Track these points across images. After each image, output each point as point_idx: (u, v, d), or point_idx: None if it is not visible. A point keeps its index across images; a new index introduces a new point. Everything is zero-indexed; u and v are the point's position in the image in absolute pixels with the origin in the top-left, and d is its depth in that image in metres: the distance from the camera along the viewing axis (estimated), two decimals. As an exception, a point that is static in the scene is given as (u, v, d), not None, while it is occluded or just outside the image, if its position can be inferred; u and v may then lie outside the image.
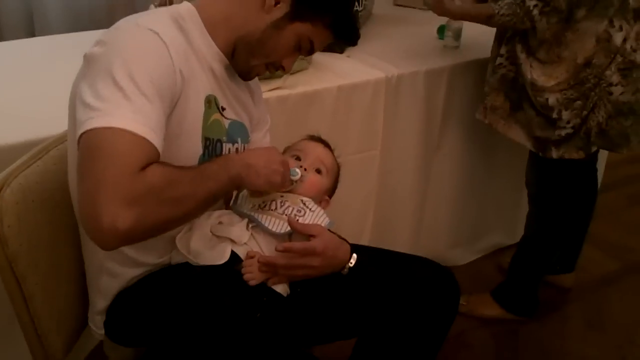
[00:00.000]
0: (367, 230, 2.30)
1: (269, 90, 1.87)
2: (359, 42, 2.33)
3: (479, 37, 2.43)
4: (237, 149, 1.38)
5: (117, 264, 1.29)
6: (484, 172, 2.51)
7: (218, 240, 1.29)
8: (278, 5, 1.25)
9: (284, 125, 1.89)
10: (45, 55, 2.16)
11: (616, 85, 1.85)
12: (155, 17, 1.20)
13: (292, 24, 1.27)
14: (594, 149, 1.95)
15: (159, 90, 1.11)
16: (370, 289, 1.36)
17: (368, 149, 2.15)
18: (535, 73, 1.90)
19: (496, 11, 1.85)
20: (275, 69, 1.34)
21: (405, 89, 2.13)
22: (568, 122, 1.89)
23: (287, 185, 1.36)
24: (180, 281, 1.26)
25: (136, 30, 1.14)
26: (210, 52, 1.27)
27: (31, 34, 2.73)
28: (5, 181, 1.23)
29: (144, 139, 1.05)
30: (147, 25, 1.15)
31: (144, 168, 1.03)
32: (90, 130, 1.04)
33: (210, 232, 1.29)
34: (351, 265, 1.33)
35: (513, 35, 1.94)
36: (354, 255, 1.34)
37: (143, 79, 1.08)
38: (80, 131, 1.05)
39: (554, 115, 1.90)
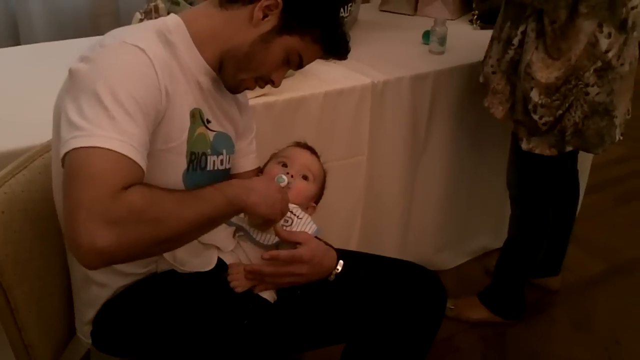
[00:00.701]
0: (354, 236, 2.30)
1: (255, 97, 1.88)
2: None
3: (464, 43, 2.46)
4: (221, 160, 1.38)
5: (103, 274, 1.29)
6: (470, 176, 2.53)
7: (204, 247, 1.29)
8: (266, 19, 1.25)
9: (271, 132, 1.89)
10: (29, 63, 2.15)
11: (592, 85, 1.85)
12: (141, 33, 1.20)
13: (280, 38, 1.26)
14: (568, 148, 1.94)
15: (144, 108, 1.10)
16: (357, 295, 1.37)
17: (355, 155, 2.16)
18: (536, 56, 1.87)
19: None
20: (264, 83, 1.34)
21: (391, 95, 2.14)
22: (540, 118, 1.89)
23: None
24: (166, 289, 1.27)
25: (122, 48, 1.13)
26: (196, 66, 1.26)
27: (16, 41, 2.71)
28: (-12, 191, 1.23)
29: (128, 158, 1.05)
30: (134, 41, 1.14)
31: (126, 188, 1.02)
32: (74, 149, 1.03)
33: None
34: (337, 271, 1.34)
35: (530, 14, 1.89)
36: (341, 261, 1.35)
37: (127, 97, 1.07)
38: (64, 150, 1.05)
39: (529, 107, 1.90)
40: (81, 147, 1.03)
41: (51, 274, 1.35)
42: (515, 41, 1.93)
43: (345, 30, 1.35)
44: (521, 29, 1.90)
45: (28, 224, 1.28)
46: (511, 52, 1.95)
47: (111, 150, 1.03)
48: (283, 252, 1.27)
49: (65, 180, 1.04)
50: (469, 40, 2.49)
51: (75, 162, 1.03)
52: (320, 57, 1.39)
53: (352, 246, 2.28)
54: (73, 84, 1.11)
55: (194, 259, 1.27)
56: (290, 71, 2.04)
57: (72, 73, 1.12)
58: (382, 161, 2.23)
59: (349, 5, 2.32)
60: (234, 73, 1.29)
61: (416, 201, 2.42)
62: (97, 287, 1.30)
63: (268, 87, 1.87)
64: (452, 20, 2.81)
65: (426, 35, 2.47)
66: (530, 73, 1.87)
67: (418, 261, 2.48)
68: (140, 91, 1.10)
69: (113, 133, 1.05)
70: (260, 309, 1.29)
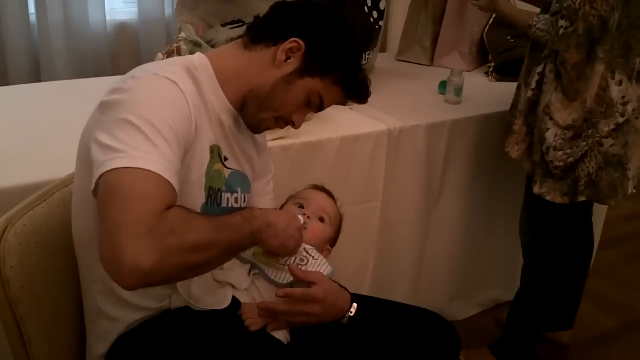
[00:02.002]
0: (366, 282, 2.29)
1: (273, 140, 1.89)
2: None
3: (480, 94, 2.48)
4: (236, 198, 1.38)
5: (116, 308, 1.28)
6: (484, 227, 2.52)
7: (219, 285, 1.29)
8: (289, 61, 1.27)
9: (287, 175, 1.90)
10: (50, 100, 2.19)
11: (607, 137, 1.87)
12: (170, 67, 1.22)
13: (302, 80, 1.28)
14: (581, 198, 1.95)
15: (177, 136, 1.12)
16: (370, 339, 1.36)
17: (369, 200, 2.17)
18: (555, 97, 1.89)
19: (534, 23, 1.88)
20: (285, 123, 1.36)
21: (406, 142, 2.15)
22: (552, 162, 1.90)
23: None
24: (180, 327, 1.25)
25: (155, 79, 1.16)
26: (219, 104, 1.28)
27: (37, 78, 2.76)
28: (9, 222, 1.23)
29: (167, 181, 1.06)
30: (165, 74, 1.17)
31: (166, 210, 1.03)
32: (113, 170, 1.03)
33: (211, 276, 1.28)
34: (351, 314, 1.33)
35: (548, 55, 1.92)
36: (355, 304, 1.34)
37: (163, 125, 1.09)
38: (101, 171, 1.04)
39: (544, 148, 1.91)
40: (122, 168, 1.03)
41: (65, 307, 1.35)
42: (533, 82, 1.95)
43: (366, 75, 1.38)
44: (539, 69, 1.94)
45: (44, 256, 1.28)
46: (529, 93, 1.98)
47: (151, 171, 1.04)
48: (297, 290, 1.27)
49: (104, 201, 1.03)
50: (485, 92, 2.52)
51: (115, 182, 1.03)
52: (340, 103, 1.41)
53: (364, 291, 2.26)
54: (106, 114, 1.12)
55: (208, 296, 1.26)
56: (308, 115, 2.08)
57: (104, 104, 1.13)
58: (397, 208, 2.23)
59: (367, 53, 2.35)
60: (255, 112, 1.30)
61: (429, 250, 2.42)
62: (108, 322, 1.29)
63: (286, 130, 1.92)
64: (468, 71, 2.84)
65: (442, 85, 2.50)
66: (549, 114, 1.90)
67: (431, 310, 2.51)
68: (176, 120, 1.12)
69: (152, 156, 1.06)
70: (273, 349, 1.28)
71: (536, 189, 1.99)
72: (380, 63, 2.85)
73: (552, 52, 1.88)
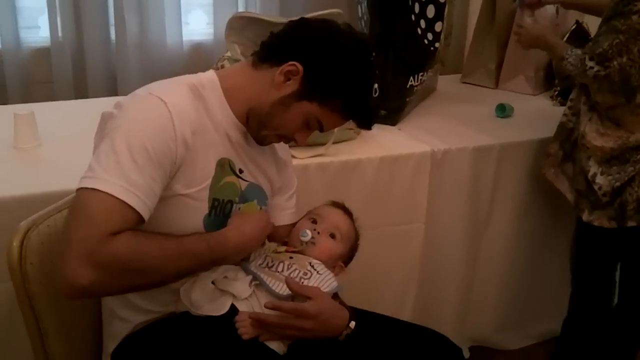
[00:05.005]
0: (408, 306, 2.27)
1: (310, 157, 1.93)
2: (413, 116, 2.41)
3: (537, 118, 2.42)
4: None
5: (126, 310, 1.36)
6: (538, 254, 2.45)
7: (220, 293, 1.33)
8: (288, 83, 1.30)
9: (323, 192, 1.92)
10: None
11: None
12: (170, 86, 1.29)
13: (300, 103, 1.30)
14: (630, 223, 1.90)
15: (155, 158, 1.18)
16: (369, 357, 1.36)
17: (412, 222, 2.16)
18: (589, 127, 1.90)
19: (566, 57, 1.90)
20: (287, 140, 1.39)
21: (451, 164, 2.13)
22: (600, 188, 1.88)
23: (296, 245, 1.41)
24: (179, 330, 1.31)
25: (145, 100, 1.24)
26: (226, 119, 1.33)
27: (114, 93, 2.93)
28: (34, 223, 1.33)
29: (126, 204, 1.14)
30: (159, 94, 1.23)
31: (117, 233, 1.12)
32: (80, 189, 1.15)
33: (214, 284, 1.33)
34: (349, 332, 1.34)
35: (581, 85, 1.95)
36: (352, 322, 1.34)
37: (139, 148, 1.17)
38: (77, 187, 1.16)
39: (589, 176, 1.89)
40: (85, 188, 1.14)
41: (80, 307, 1.43)
42: (566, 109, 1.99)
43: (370, 103, 1.38)
44: (572, 96, 1.96)
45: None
46: (564, 119, 2.01)
47: (110, 194, 1.13)
48: (286, 303, 1.29)
49: (67, 215, 1.16)
50: (543, 116, 2.46)
51: (77, 200, 1.15)
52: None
53: (405, 316, 2.24)
54: (101, 126, 1.24)
55: (208, 303, 1.30)
56: (352, 134, 2.11)
57: (103, 116, 1.25)
58: (441, 231, 2.21)
59: (420, 74, 2.35)
60: (257, 129, 1.35)
61: (478, 276, 2.37)
62: (120, 322, 1.37)
63: (324, 148, 1.96)
64: (533, 95, 2.79)
65: (499, 108, 2.46)
66: (584, 144, 1.89)
67: (477, 339, 2.47)
68: (154, 143, 1.19)
69: (116, 179, 1.14)
70: (266, 359, 1.30)
71: (585, 217, 1.96)
72: (443, 85, 2.84)
73: (584, 85, 1.89)
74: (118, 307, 1.37)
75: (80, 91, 2.91)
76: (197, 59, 3.11)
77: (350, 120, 1.40)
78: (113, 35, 2.94)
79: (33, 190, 1.64)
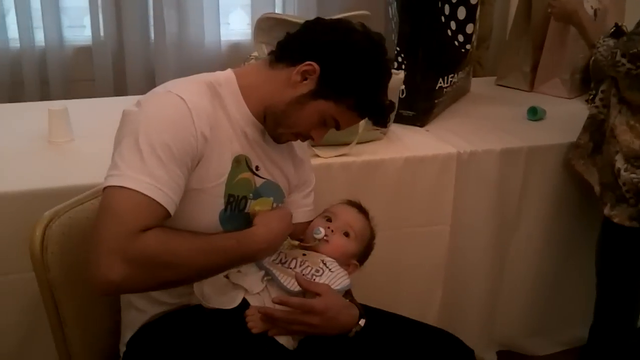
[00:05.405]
0: (434, 308, 2.26)
1: (334, 156, 1.95)
2: (443, 117, 2.40)
3: (568, 121, 2.38)
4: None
5: (142, 301, 1.40)
6: (568, 259, 2.40)
7: (233, 287, 1.36)
8: (304, 82, 1.32)
9: (346, 192, 1.91)
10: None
11: None
12: (188, 84, 1.33)
13: (315, 101, 1.32)
14: None
15: (177, 154, 1.22)
16: (379, 355, 1.37)
17: (436, 223, 2.15)
18: (619, 120, 1.87)
19: (598, 46, 1.89)
20: (304, 138, 1.41)
21: (477, 166, 2.12)
22: (624, 184, 1.84)
23: (310, 242, 1.43)
24: (191, 322, 1.34)
25: (165, 97, 1.27)
26: (242, 117, 1.36)
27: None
28: (56, 214, 1.38)
29: (153, 200, 1.17)
30: (178, 92, 1.27)
31: (146, 229, 1.16)
32: (107, 187, 1.19)
33: (227, 278, 1.36)
34: (358, 330, 1.35)
35: (613, 77, 1.92)
36: (362, 320, 1.36)
37: (161, 144, 1.20)
38: (102, 186, 1.20)
39: (615, 170, 1.86)
40: (113, 186, 1.18)
41: (100, 297, 1.47)
42: (597, 99, 1.96)
43: (385, 101, 1.39)
44: (602, 87, 1.93)
45: (84, 247, 1.39)
46: (594, 110, 1.98)
47: (137, 191, 1.16)
48: (294, 299, 1.31)
49: (97, 214, 1.20)
50: (576, 120, 2.41)
51: (105, 198, 1.19)
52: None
53: (431, 318, 2.23)
54: (122, 124, 1.27)
55: (219, 296, 1.34)
56: (379, 134, 2.12)
57: (123, 114, 1.27)
58: (468, 233, 2.19)
59: (450, 76, 2.34)
60: (274, 127, 1.37)
61: (506, 280, 2.35)
62: (137, 312, 1.41)
63: (348, 147, 1.97)
64: (568, 99, 2.75)
65: (531, 111, 2.44)
66: (614, 136, 1.87)
67: (506, 344, 2.45)
68: (175, 139, 1.22)
69: (142, 175, 1.18)
70: (275, 353, 1.32)
71: (606, 211, 1.93)
72: (478, 87, 2.83)
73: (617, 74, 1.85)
74: (135, 297, 1.41)
75: (120, 89, 3.00)
76: (234, 58, 3.16)
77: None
78: (152, 35, 3.01)
79: (62, 183, 1.70)
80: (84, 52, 2.97)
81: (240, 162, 1.37)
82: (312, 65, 1.31)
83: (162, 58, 3.01)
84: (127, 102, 1.31)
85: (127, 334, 1.44)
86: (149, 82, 3.01)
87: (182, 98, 1.25)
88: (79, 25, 3.07)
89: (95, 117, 2.28)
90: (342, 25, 1.36)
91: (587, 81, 2.74)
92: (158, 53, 3.01)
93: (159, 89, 1.31)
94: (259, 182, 1.42)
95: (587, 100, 2.67)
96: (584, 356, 2.19)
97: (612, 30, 2.34)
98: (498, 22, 3.44)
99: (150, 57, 3.04)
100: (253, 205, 1.40)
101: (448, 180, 2.11)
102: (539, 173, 2.23)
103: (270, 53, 1.40)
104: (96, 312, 1.47)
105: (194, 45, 3.08)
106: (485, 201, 2.17)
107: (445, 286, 2.25)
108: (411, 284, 2.19)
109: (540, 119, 2.45)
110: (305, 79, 1.32)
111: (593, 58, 1.94)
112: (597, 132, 2.00)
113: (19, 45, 2.84)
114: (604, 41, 1.87)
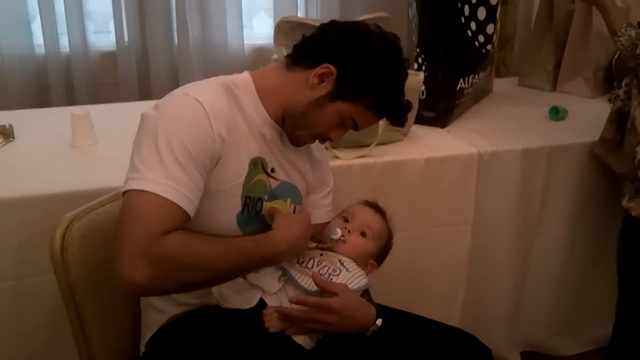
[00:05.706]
0: (457, 309, 2.25)
1: (355, 158, 1.95)
2: (464, 118, 2.39)
3: (591, 120, 2.35)
4: None
5: (162, 301, 1.41)
6: (593, 258, 2.38)
7: (250, 287, 1.37)
8: (322, 84, 1.33)
9: (367, 193, 1.90)
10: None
11: None
12: (205, 86, 1.34)
13: (334, 103, 1.33)
14: None
15: (196, 156, 1.23)
16: (396, 355, 1.37)
17: (458, 223, 2.14)
18: (639, 111, 1.87)
19: (620, 35, 1.92)
20: (323, 140, 1.42)
21: (499, 166, 2.11)
22: None
23: (327, 243, 1.43)
24: (209, 322, 1.36)
25: (182, 100, 1.28)
26: (260, 118, 1.37)
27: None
28: (76, 216, 1.40)
29: (173, 203, 1.19)
30: (195, 94, 1.28)
31: (167, 232, 1.17)
32: (128, 191, 1.20)
33: (245, 278, 1.37)
34: (375, 329, 1.35)
35: (634, 67, 1.93)
36: (379, 319, 1.36)
37: (180, 146, 1.21)
38: (123, 189, 1.22)
39: (635, 162, 1.85)
40: (134, 190, 1.19)
41: (119, 298, 1.49)
42: (621, 92, 1.97)
43: (403, 100, 1.39)
44: (626, 80, 1.93)
45: (104, 250, 1.41)
46: (618, 103, 1.99)
47: (157, 194, 1.18)
48: (310, 298, 1.32)
49: (119, 217, 1.21)
50: (598, 119, 2.39)
51: (127, 202, 1.20)
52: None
53: (454, 319, 2.23)
54: (141, 127, 1.28)
55: (237, 296, 1.35)
56: (399, 135, 2.12)
57: (142, 117, 1.29)
58: (490, 233, 2.18)
59: (471, 76, 2.33)
60: (292, 129, 1.38)
61: (530, 279, 2.33)
62: (156, 312, 1.43)
63: (369, 149, 1.97)
64: (591, 98, 2.72)
65: (553, 111, 2.42)
66: (636, 127, 1.87)
67: (531, 343, 2.42)
68: (194, 141, 1.23)
69: (163, 178, 1.19)
70: (293, 353, 1.33)
71: (624, 203, 1.93)
72: (500, 87, 2.81)
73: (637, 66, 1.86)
74: (155, 298, 1.42)
75: (145, 93, 3.03)
76: (258, 61, 3.17)
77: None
78: (176, 39, 3.04)
79: (84, 186, 1.72)
80: (108, 57, 3.00)
81: (257, 164, 1.38)
82: (329, 68, 1.32)
83: (186, 62, 3.04)
84: (148, 106, 1.33)
85: (147, 335, 1.46)
86: (173, 86, 3.01)
87: (198, 100, 1.27)
88: (104, 30, 3.11)
89: (119, 121, 2.29)
90: (357, 27, 1.37)
91: (610, 79, 2.72)
92: (182, 57, 3.03)
93: (176, 92, 1.32)
94: (274, 184, 1.43)
95: (609, 100, 2.64)
96: (608, 356, 2.16)
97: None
98: (522, 22, 3.42)
99: (174, 61, 3.07)
100: (269, 205, 1.41)
101: (469, 181, 2.10)
102: (561, 172, 2.21)
103: (287, 56, 1.41)
104: (117, 313, 1.49)
105: (217, 49, 3.10)
106: (507, 201, 2.16)
107: (467, 286, 2.24)
108: (434, 284, 2.18)
109: (562, 118, 2.43)
110: (323, 81, 1.33)
111: (616, 56, 1.93)
112: (623, 124, 1.99)
113: (44, 51, 2.88)
114: (625, 30, 1.88)
